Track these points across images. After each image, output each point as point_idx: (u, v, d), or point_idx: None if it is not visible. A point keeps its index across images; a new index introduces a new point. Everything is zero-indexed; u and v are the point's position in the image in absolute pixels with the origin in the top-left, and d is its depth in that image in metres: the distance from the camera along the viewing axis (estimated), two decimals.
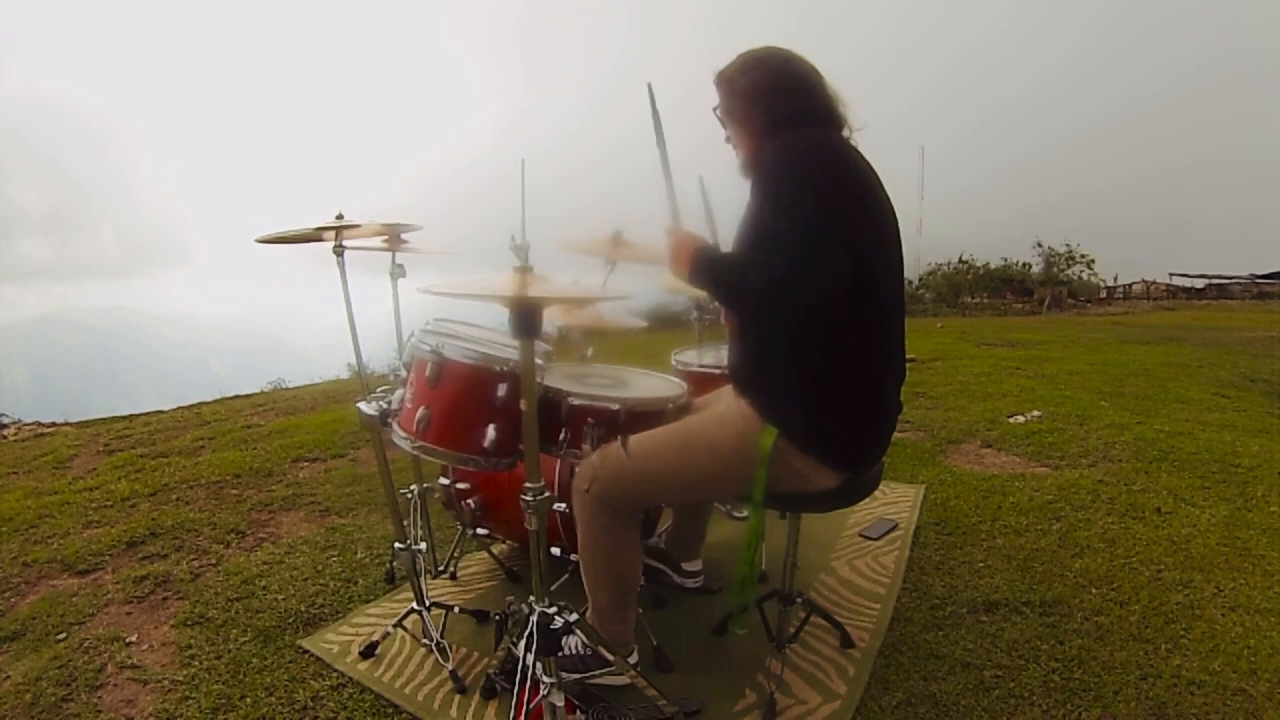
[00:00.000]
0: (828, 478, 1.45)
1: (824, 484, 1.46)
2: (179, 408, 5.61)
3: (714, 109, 1.56)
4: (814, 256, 1.29)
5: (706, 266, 1.42)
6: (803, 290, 1.30)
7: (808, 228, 1.29)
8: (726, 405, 1.52)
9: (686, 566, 2.15)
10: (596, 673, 1.62)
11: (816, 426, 1.41)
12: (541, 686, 1.39)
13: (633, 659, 1.67)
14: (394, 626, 1.89)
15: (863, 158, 1.49)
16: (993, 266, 18.16)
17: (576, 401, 1.61)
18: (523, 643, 1.41)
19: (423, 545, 2.01)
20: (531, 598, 1.43)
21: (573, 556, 1.65)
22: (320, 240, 1.84)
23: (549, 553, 1.93)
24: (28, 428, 5.29)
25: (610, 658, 1.56)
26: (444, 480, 2.20)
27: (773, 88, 1.46)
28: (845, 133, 1.51)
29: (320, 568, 2.37)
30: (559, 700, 1.39)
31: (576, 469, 1.62)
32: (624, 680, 1.62)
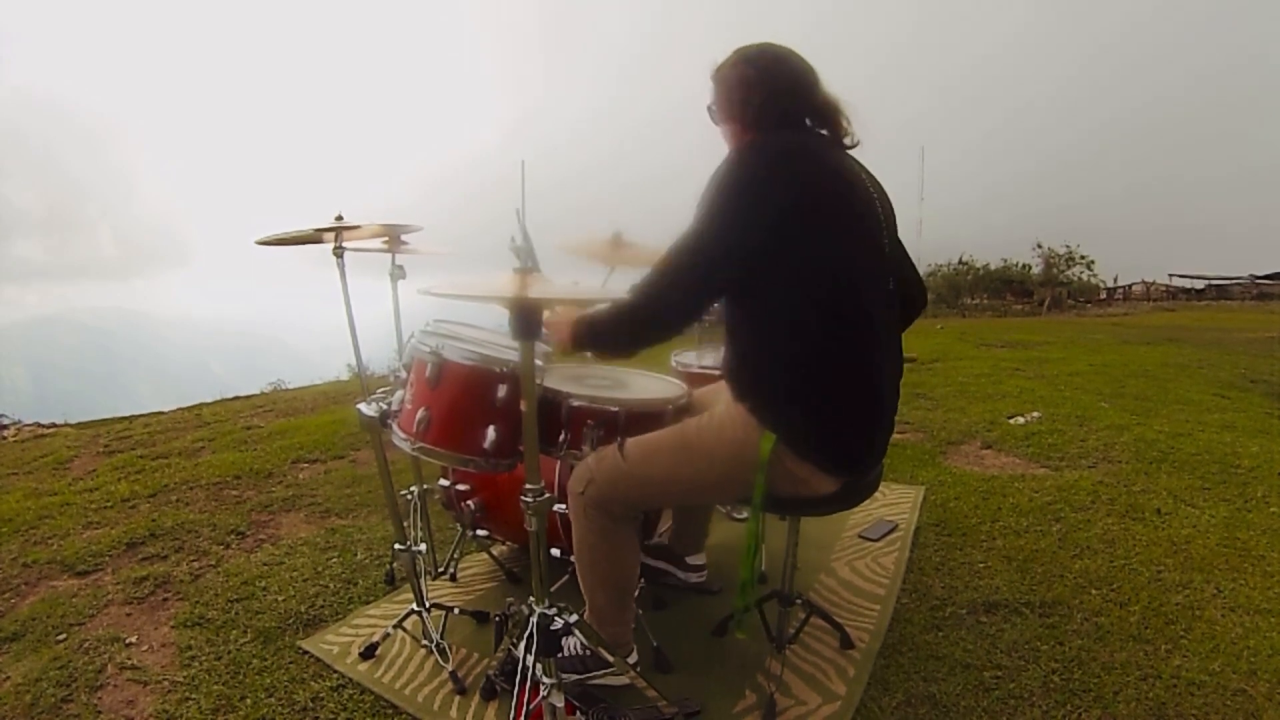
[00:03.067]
0: (827, 483, 1.44)
1: (824, 489, 1.45)
2: (179, 409, 5.61)
3: (708, 106, 1.55)
4: (707, 259, 1.34)
5: (585, 330, 1.45)
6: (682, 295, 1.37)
7: (737, 236, 1.32)
8: (724, 409, 1.50)
9: (691, 560, 2.14)
10: (596, 673, 1.62)
11: (815, 431, 1.40)
12: (541, 687, 1.39)
13: (632, 659, 1.67)
14: (394, 627, 1.89)
15: (848, 159, 1.48)
16: (992, 267, 18.13)
17: (576, 403, 1.61)
18: (523, 644, 1.41)
19: (422, 546, 2.01)
20: (531, 599, 1.43)
21: (572, 558, 1.65)
22: (320, 242, 1.84)
23: (549, 554, 1.93)
24: (28, 428, 5.30)
25: (610, 658, 1.56)
26: (444, 481, 2.21)
27: (759, 85, 1.45)
28: (847, 136, 1.50)
29: (320, 569, 2.37)
30: (559, 701, 1.39)
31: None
32: (624, 681, 1.62)
